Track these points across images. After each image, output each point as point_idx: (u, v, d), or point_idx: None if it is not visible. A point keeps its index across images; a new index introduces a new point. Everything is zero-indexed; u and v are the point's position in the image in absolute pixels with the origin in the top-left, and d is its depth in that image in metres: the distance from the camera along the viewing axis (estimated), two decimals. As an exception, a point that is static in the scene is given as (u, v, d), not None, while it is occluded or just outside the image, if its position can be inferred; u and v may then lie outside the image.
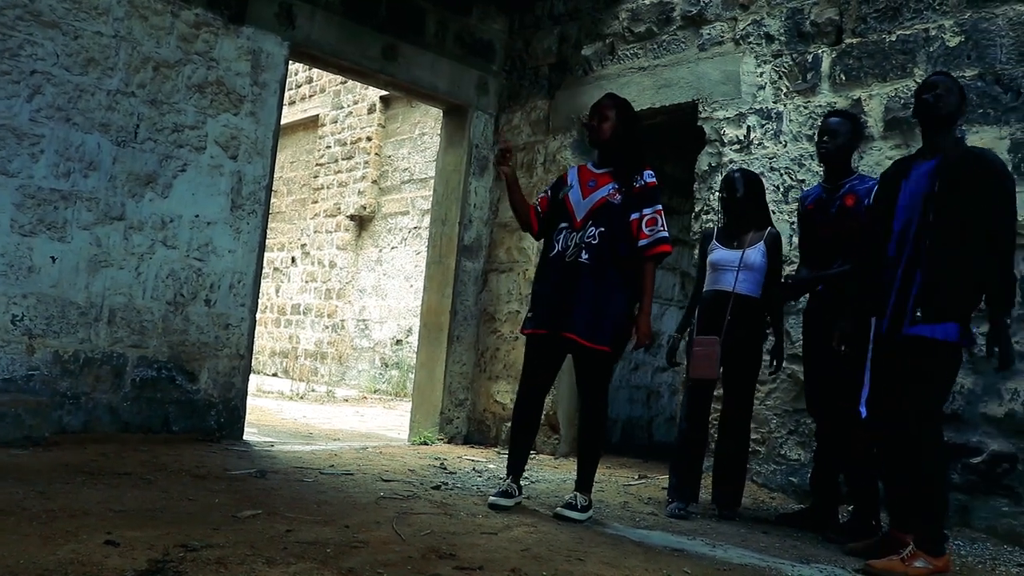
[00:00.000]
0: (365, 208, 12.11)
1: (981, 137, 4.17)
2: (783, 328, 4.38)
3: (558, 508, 3.73)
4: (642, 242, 3.82)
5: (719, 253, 4.22)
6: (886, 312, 3.38)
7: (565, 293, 3.77)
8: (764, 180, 4.92)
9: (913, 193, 3.39)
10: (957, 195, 3.28)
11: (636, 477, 5.32)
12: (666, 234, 3.85)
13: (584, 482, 3.83)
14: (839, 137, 4.02)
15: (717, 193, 4.34)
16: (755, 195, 4.31)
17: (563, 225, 3.89)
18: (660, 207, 3.87)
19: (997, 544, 3.80)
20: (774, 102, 5.02)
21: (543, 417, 6.01)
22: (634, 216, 3.82)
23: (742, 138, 5.12)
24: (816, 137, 4.21)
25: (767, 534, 3.77)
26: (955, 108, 3.43)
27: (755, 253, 4.18)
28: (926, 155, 3.45)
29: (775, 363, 4.29)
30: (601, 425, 3.90)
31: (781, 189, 4.90)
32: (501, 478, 4.35)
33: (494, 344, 6.45)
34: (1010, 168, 4.05)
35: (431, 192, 7.77)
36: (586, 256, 3.77)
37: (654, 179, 3.90)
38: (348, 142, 12.68)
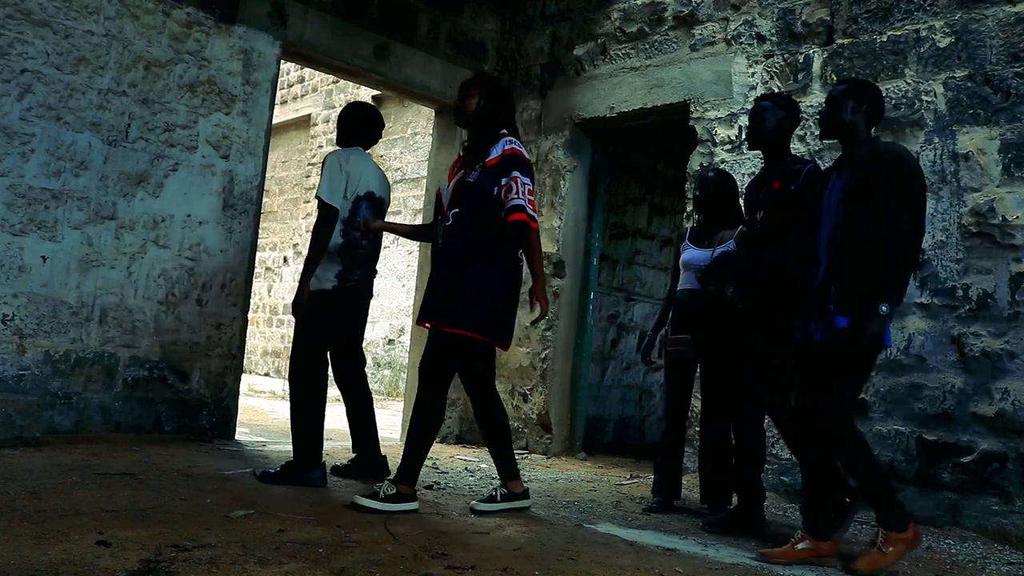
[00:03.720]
0: (357, 208, 12.07)
1: (972, 138, 4.20)
2: None
3: (473, 502, 3.73)
4: (503, 212, 3.61)
5: (690, 253, 4.20)
6: (809, 313, 3.29)
7: (433, 282, 3.65)
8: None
9: (829, 200, 3.31)
10: (861, 195, 3.19)
11: (628, 476, 5.33)
12: (520, 202, 3.58)
13: (505, 471, 3.79)
14: (767, 122, 3.75)
15: (692, 192, 4.33)
16: (726, 195, 4.22)
17: (439, 218, 3.81)
18: (517, 174, 3.61)
19: (987, 543, 3.82)
20: (766, 102, 5.03)
21: (535, 417, 6.03)
22: (496, 189, 3.62)
23: (734, 138, 5.14)
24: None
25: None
26: (853, 115, 3.31)
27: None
28: (844, 164, 3.35)
29: None
30: (489, 414, 3.77)
31: (773, 189, 4.91)
32: (492, 478, 4.35)
33: (486, 344, 6.44)
34: (1000, 169, 4.10)
35: (423, 192, 7.77)
36: (442, 240, 3.69)
37: (513, 146, 3.67)
38: (340, 142, 12.64)
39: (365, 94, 12.08)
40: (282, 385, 10.70)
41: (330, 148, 12.83)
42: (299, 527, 2.98)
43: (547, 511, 3.83)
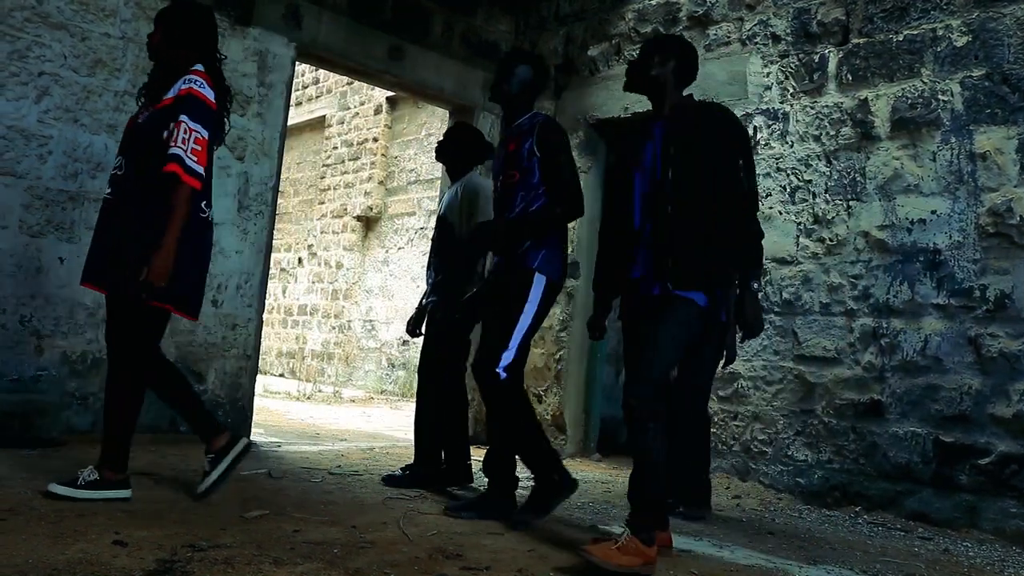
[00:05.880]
0: (372, 209, 12.13)
1: (989, 137, 4.17)
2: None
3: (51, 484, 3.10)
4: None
5: None
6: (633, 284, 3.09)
7: (95, 236, 3.25)
8: (770, 181, 4.92)
9: (654, 155, 3.05)
10: (694, 150, 2.97)
11: (642, 478, 5.31)
12: (177, 151, 3.05)
13: (101, 454, 3.24)
14: (515, 77, 3.73)
15: None
16: None
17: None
18: (184, 119, 3.08)
19: (1006, 546, 3.79)
20: (780, 102, 5.02)
21: (550, 418, 6.02)
22: (165, 134, 3.11)
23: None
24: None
25: (773, 535, 3.76)
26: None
27: None
28: (659, 115, 3.19)
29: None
30: (116, 387, 3.28)
31: (787, 190, 4.90)
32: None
33: (500, 345, 6.44)
34: (1017, 168, 4.07)
35: (437, 193, 7.78)
36: (109, 191, 3.23)
37: (190, 86, 3.14)
38: (355, 143, 12.69)
39: (380, 95, 12.13)
40: (297, 386, 10.74)
41: (344, 149, 12.87)
42: (314, 528, 2.99)
43: (561, 512, 3.81)
